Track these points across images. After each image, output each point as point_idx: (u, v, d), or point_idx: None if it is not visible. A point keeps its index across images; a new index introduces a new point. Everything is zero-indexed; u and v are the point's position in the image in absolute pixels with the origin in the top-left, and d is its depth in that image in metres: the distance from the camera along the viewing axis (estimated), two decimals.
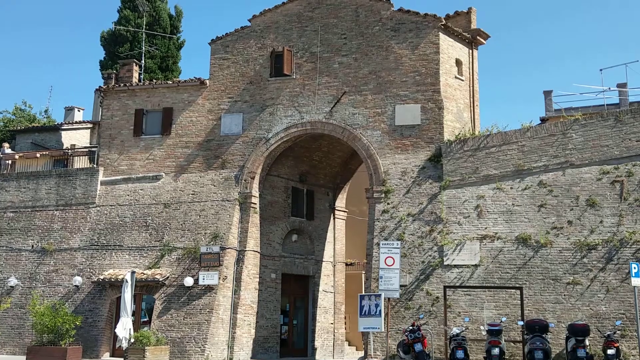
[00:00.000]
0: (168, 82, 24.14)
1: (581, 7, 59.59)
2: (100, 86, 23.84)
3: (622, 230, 18.00)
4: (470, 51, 22.44)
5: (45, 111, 40.12)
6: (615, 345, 15.76)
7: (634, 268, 16.34)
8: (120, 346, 18.78)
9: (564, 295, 17.88)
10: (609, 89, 25.13)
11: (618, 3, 59.49)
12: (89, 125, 30.61)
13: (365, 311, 18.29)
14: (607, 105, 25.54)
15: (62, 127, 31.59)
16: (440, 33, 21.12)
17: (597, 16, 60.08)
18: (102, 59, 34.66)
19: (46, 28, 64.19)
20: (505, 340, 17.05)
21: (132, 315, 19.65)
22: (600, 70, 37.31)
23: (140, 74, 25.88)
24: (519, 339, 17.59)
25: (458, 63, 21.84)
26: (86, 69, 65.97)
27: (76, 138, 30.75)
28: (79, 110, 35.03)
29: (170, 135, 23.02)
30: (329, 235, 25.27)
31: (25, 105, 37.52)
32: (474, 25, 22.53)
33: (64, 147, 27.87)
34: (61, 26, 64.93)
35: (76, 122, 32.30)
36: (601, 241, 18.10)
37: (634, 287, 16.40)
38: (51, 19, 64.06)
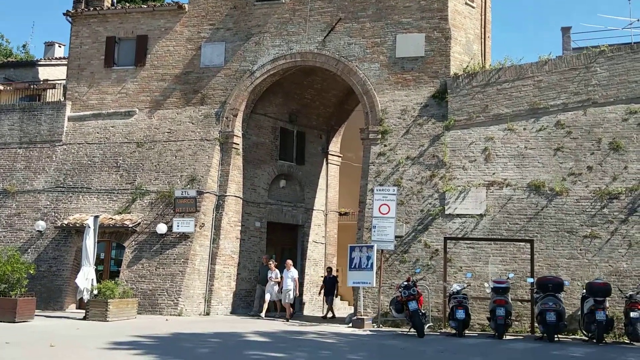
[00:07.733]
0: (143, 6, 21.60)
1: None
2: (67, 10, 21.31)
3: None
4: None
5: (24, 46, 37.82)
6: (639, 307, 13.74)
7: None
8: (82, 298, 16.89)
9: (580, 249, 15.82)
10: (638, 20, 22.39)
11: None
12: None
13: (356, 264, 16.47)
14: (634, 43, 22.87)
15: (39, 63, 29.43)
16: None
17: None
18: None
19: None
20: (512, 300, 15.06)
21: (100, 264, 17.66)
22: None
23: None
24: (527, 298, 15.61)
25: None
26: (70, 2, 62.80)
27: (54, 74, 28.49)
28: (60, 46, 32.97)
29: (144, 67, 20.65)
30: (321, 181, 23.14)
31: (2, 39, 35.14)
32: None
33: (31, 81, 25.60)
34: None
35: (55, 58, 30.13)
36: (624, 190, 15.95)
37: None
38: None
